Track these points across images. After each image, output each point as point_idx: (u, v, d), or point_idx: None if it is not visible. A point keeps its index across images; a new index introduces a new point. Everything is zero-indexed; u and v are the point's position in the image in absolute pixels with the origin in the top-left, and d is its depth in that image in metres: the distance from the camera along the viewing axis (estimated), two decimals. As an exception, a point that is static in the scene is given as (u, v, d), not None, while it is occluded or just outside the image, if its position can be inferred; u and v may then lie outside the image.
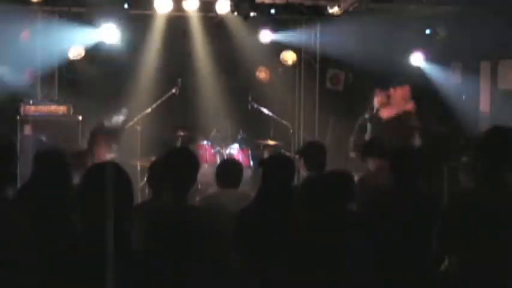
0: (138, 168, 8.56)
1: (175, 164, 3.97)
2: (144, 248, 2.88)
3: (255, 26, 9.86)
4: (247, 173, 8.12)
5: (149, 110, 8.97)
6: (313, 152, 5.55)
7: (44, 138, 8.44)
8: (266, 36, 10.13)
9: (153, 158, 7.14)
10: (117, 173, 3.15)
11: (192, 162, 4.04)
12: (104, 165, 3.21)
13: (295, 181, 6.26)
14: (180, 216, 2.96)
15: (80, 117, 8.81)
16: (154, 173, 4.91)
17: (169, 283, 2.85)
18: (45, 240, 3.32)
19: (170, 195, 3.85)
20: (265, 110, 9.53)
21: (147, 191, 7.49)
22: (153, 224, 2.95)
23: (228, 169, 5.62)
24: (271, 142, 9.57)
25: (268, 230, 3.84)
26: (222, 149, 9.21)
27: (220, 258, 3.87)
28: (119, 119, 8.59)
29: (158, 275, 2.85)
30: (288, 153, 9.17)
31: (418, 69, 10.22)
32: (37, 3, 8.85)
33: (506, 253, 3.80)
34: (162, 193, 4.02)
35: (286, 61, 10.44)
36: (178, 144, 9.14)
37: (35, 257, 3.32)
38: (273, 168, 4.42)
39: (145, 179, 5.42)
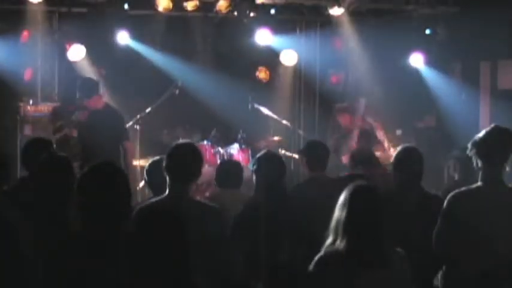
0: (138, 168, 8.55)
1: (180, 155, 3.99)
2: (139, 242, 2.87)
3: (254, 26, 9.83)
4: (248, 173, 8.08)
5: (149, 109, 8.96)
6: (316, 152, 5.52)
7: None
8: (265, 38, 9.99)
9: (153, 158, 7.12)
10: (114, 172, 3.16)
11: (196, 154, 4.05)
12: (101, 166, 3.21)
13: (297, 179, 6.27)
14: (180, 209, 2.97)
15: (80, 117, 8.79)
16: (154, 172, 4.87)
17: (162, 278, 2.84)
18: (43, 240, 3.33)
19: (173, 187, 3.88)
20: (265, 110, 9.51)
21: (146, 191, 7.49)
22: (150, 216, 2.95)
23: (229, 169, 5.63)
24: (275, 138, 9.45)
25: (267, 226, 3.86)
26: (222, 149, 9.20)
27: (219, 255, 3.88)
28: None
29: (153, 270, 2.85)
30: (288, 154, 9.17)
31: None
32: (37, 3, 8.83)
33: (505, 250, 3.82)
34: (163, 192, 4.01)
35: (286, 61, 10.42)
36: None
37: (33, 256, 3.32)
38: (262, 167, 4.47)
39: (144, 180, 5.38)
